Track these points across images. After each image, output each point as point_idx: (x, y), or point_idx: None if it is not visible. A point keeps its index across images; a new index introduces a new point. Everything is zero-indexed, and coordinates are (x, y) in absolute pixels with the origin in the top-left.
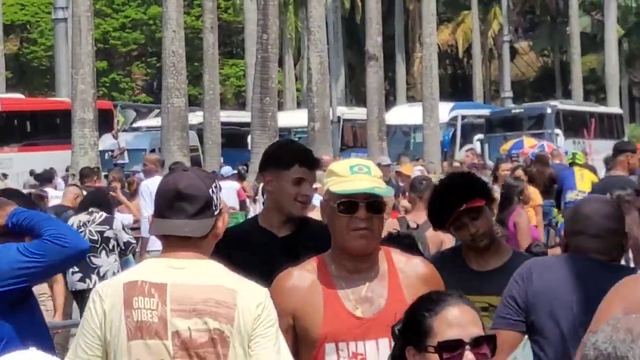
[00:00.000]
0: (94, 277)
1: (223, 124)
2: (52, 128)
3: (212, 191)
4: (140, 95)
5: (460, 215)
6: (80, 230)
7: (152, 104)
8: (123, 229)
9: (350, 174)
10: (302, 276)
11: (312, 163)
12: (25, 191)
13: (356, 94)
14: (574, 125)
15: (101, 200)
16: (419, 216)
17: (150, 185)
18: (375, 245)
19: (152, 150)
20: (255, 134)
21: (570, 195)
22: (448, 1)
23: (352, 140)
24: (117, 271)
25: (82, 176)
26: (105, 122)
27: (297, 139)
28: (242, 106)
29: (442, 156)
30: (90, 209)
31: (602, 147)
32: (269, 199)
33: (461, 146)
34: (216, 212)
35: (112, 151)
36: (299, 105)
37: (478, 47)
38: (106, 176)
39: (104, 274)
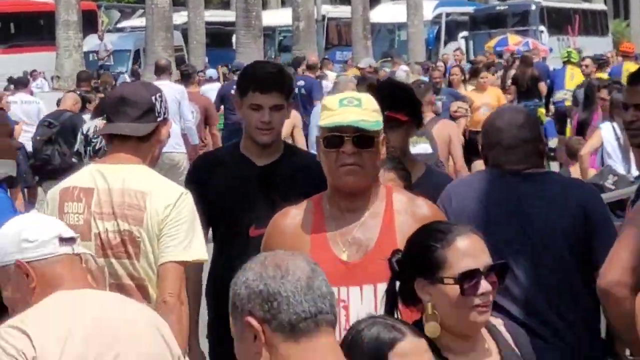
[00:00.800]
0: None
1: (207, 23)
2: (36, 30)
3: (155, 99)
4: None
5: None
6: (96, 136)
7: (136, 4)
8: None
9: (339, 107)
10: (295, 216)
11: (267, 87)
12: None
13: None
14: (558, 21)
15: None
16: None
17: None
18: (367, 181)
19: (137, 51)
20: (240, 34)
21: (558, 95)
22: None
23: (337, 38)
24: None
25: (79, 80)
26: (89, 23)
27: (282, 38)
28: (226, 5)
29: (427, 54)
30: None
31: (587, 44)
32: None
33: (445, 44)
34: (159, 119)
35: (97, 52)
36: (283, 3)
37: None
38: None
39: None
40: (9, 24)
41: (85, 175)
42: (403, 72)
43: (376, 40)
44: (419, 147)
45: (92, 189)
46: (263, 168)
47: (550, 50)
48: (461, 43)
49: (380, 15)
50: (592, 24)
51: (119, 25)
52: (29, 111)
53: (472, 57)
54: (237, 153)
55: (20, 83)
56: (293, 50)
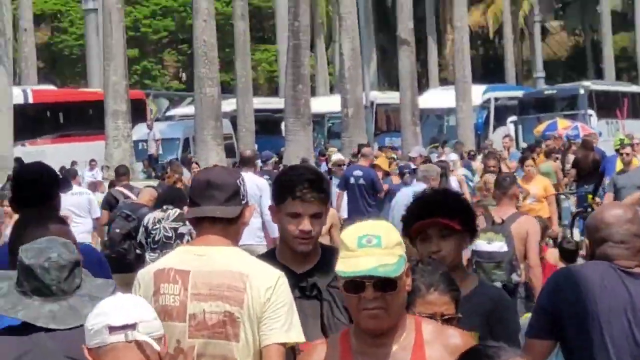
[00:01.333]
0: None
1: (256, 110)
2: (85, 119)
3: (239, 182)
4: (172, 83)
5: (430, 225)
6: (155, 227)
7: (184, 91)
8: None
9: (358, 248)
10: (321, 352)
11: (307, 195)
12: None
13: (388, 77)
14: (607, 105)
15: (175, 198)
16: (503, 212)
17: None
18: (392, 322)
19: (186, 140)
20: (289, 122)
21: (608, 182)
22: None
23: (386, 124)
24: None
25: (117, 174)
26: (137, 111)
27: (331, 124)
28: (274, 91)
29: (476, 139)
30: (165, 207)
31: (636, 127)
32: (279, 232)
33: (494, 128)
34: (243, 202)
35: (146, 141)
36: (331, 89)
37: (509, 27)
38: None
39: None
40: (57, 114)
41: (179, 257)
42: (452, 159)
43: (425, 125)
44: (495, 245)
45: (187, 271)
46: (302, 276)
47: (600, 134)
48: (510, 128)
49: (428, 100)
50: None
51: (168, 114)
52: (79, 202)
53: (521, 142)
54: (274, 261)
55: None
56: (342, 137)
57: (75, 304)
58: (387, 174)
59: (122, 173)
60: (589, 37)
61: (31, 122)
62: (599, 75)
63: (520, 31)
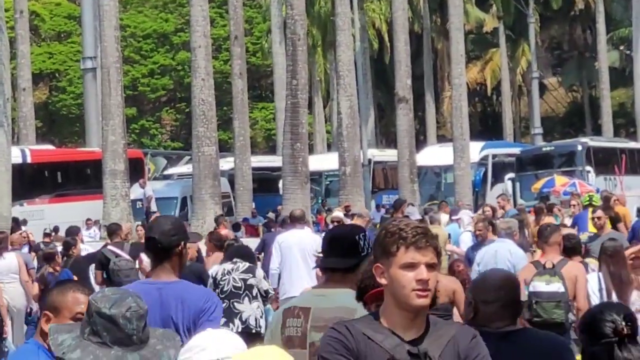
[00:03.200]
0: (237, 321)
1: (254, 169)
2: (83, 179)
3: (359, 237)
4: (170, 142)
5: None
6: (224, 277)
7: (182, 150)
8: (264, 278)
9: None
10: None
11: (422, 242)
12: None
13: (386, 134)
14: (605, 161)
15: (244, 253)
16: (550, 258)
17: (282, 240)
18: None
19: (184, 198)
20: (287, 180)
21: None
22: (476, 39)
23: (384, 182)
24: (259, 317)
25: (109, 233)
26: (136, 171)
27: (328, 182)
28: (272, 149)
29: (474, 196)
30: (235, 259)
31: (634, 183)
32: (385, 293)
33: (492, 185)
34: (362, 254)
35: (142, 200)
36: (329, 147)
37: (507, 84)
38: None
39: (246, 319)
40: (55, 173)
41: (304, 298)
42: (468, 217)
43: (422, 182)
44: (553, 285)
45: (309, 308)
46: (411, 343)
47: (597, 190)
48: (508, 185)
49: (426, 158)
50: (639, 162)
51: (166, 173)
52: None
53: (519, 199)
54: (377, 325)
55: (71, 233)
56: (340, 194)
57: (148, 353)
58: None
59: (112, 231)
60: (587, 93)
61: (29, 181)
62: (597, 131)
63: (518, 88)
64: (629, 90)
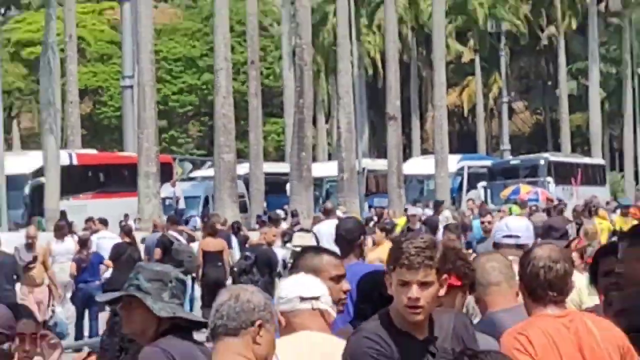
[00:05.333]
0: None
1: (266, 174)
2: (121, 179)
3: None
4: (195, 150)
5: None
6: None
7: (205, 156)
8: None
9: None
10: None
11: (414, 261)
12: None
13: (378, 147)
14: (563, 174)
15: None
16: None
17: (318, 229)
18: None
19: (206, 197)
20: (293, 183)
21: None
22: (455, 68)
23: (375, 187)
24: None
25: (170, 221)
26: (165, 173)
27: (328, 186)
28: (281, 158)
29: (452, 200)
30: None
31: (587, 193)
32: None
33: (467, 192)
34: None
35: (171, 198)
36: (329, 156)
37: (481, 107)
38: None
39: None
40: (97, 174)
41: None
42: (444, 218)
43: (408, 188)
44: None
45: None
46: (426, 342)
47: (559, 199)
48: (480, 191)
49: (411, 167)
50: (592, 175)
51: (192, 175)
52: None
53: (490, 204)
54: (390, 325)
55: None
56: (338, 197)
57: None
58: None
59: (174, 221)
60: (549, 116)
61: (75, 180)
62: (557, 148)
63: (490, 110)
64: (584, 115)
